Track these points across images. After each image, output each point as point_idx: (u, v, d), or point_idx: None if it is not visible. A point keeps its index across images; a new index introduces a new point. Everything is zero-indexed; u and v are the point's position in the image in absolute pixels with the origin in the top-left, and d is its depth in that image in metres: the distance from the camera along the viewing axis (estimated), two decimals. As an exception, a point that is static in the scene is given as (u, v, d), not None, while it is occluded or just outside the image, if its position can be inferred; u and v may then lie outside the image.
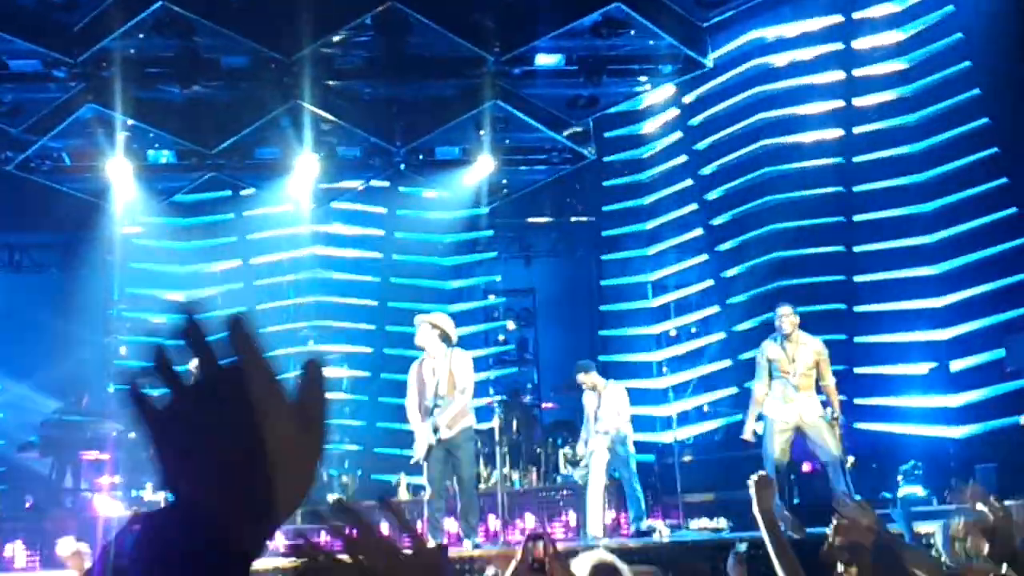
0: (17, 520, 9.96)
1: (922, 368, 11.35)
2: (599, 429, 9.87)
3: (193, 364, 0.98)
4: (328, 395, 1.03)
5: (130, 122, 12.13)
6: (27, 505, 10.85)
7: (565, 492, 10.60)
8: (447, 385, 8.57)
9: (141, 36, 11.19)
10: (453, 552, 7.99)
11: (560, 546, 3.89)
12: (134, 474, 10.93)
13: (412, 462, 8.71)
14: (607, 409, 10.01)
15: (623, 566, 3.54)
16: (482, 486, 10.77)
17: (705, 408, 13.39)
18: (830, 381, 8.89)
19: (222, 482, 0.93)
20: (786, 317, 8.76)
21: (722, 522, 9.71)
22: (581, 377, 10.12)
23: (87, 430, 10.91)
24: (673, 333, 14.16)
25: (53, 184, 13.21)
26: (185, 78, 11.69)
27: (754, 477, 4.10)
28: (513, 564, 4.08)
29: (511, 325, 14.15)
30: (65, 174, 13.30)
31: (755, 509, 4.01)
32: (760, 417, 9.07)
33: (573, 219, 15.25)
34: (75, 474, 10.88)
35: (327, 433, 1.02)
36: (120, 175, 12.87)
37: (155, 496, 10.30)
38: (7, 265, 14.22)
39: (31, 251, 14.46)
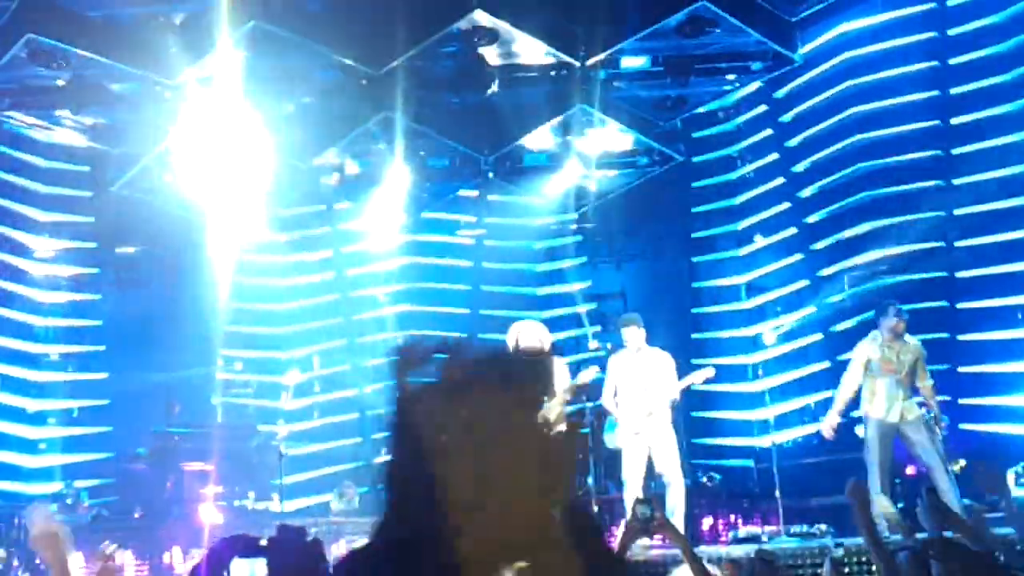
0: (127, 530, 10.29)
1: (1031, 366, 10.95)
2: (645, 404, 8.69)
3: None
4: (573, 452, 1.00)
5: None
6: (136, 515, 11.20)
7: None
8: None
9: (231, 54, 11.45)
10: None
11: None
12: (235, 484, 11.20)
13: None
14: (660, 377, 8.85)
15: None
16: (579, 492, 10.76)
17: (812, 405, 13.10)
18: (929, 382, 8.88)
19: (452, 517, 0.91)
20: (901, 319, 8.69)
21: (821, 528, 9.49)
22: (633, 332, 9.01)
23: (191, 441, 11.23)
24: (769, 339, 13.88)
25: (156, 202, 13.62)
26: (284, 93, 11.96)
27: (849, 487, 4.09)
28: (623, 523, 4.29)
29: (593, 345, 13.77)
30: (167, 192, 13.69)
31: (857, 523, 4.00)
32: (860, 420, 8.94)
33: (663, 221, 15.10)
34: (179, 484, 11.21)
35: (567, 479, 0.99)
36: (220, 191, 13.17)
37: (257, 505, 10.55)
38: (114, 282, 14.68)
39: (136, 268, 14.89)
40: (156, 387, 12.47)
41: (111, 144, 12.76)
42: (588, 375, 8.88)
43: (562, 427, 0.92)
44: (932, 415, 8.81)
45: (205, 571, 2.59)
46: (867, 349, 8.88)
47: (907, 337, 8.83)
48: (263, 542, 2.64)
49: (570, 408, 9.16)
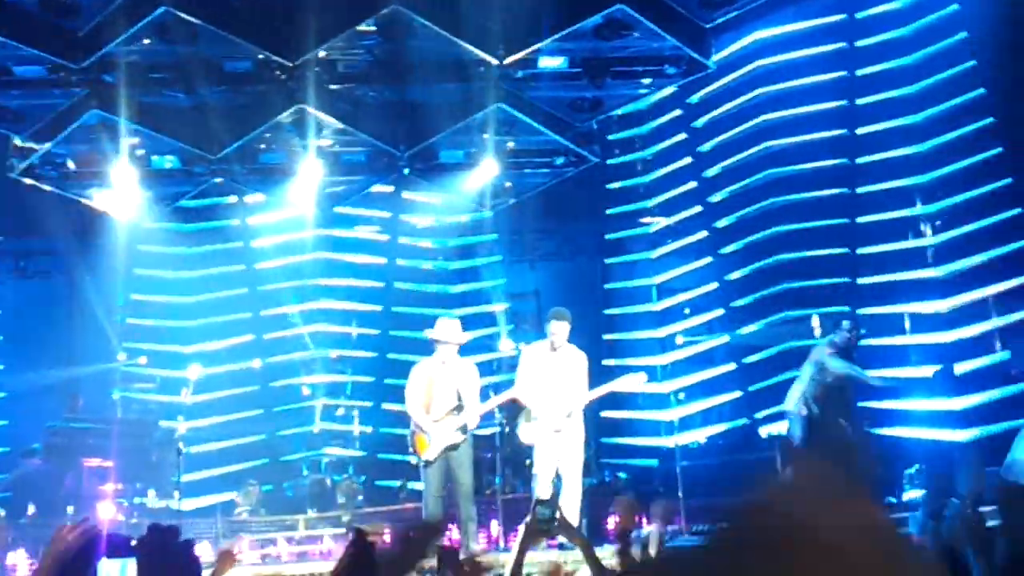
0: (20, 528, 9.98)
1: (926, 371, 11.28)
2: (568, 403, 8.56)
3: None
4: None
5: (134, 127, 12.16)
6: (29, 512, 10.86)
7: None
8: (465, 390, 8.65)
9: (145, 41, 11.19)
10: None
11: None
12: (136, 481, 10.95)
13: (423, 460, 8.64)
14: (578, 376, 8.73)
15: None
16: (486, 492, 10.75)
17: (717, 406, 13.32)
18: None
19: None
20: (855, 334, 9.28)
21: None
22: (563, 327, 8.71)
23: (90, 436, 10.93)
24: (680, 340, 14.02)
25: (58, 190, 13.25)
26: (189, 83, 11.71)
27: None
28: (524, 524, 4.37)
29: (506, 344, 13.71)
30: (70, 180, 13.34)
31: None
32: (763, 421, 9.19)
33: (577, 222, 15.21)
34: (77, 481, 10.90)
35: None
36: (125, 181, 12.89)
37: (158, 503, 10.32)
38: (13, 271, 14.27)
39: (37, 257, 14.49)
40: (55, 381, 12.13)
41: (12, 130, 12.35)
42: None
43: None
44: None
45: (62, 569, 2.51)
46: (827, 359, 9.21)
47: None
48: (133, 543, 2.58)
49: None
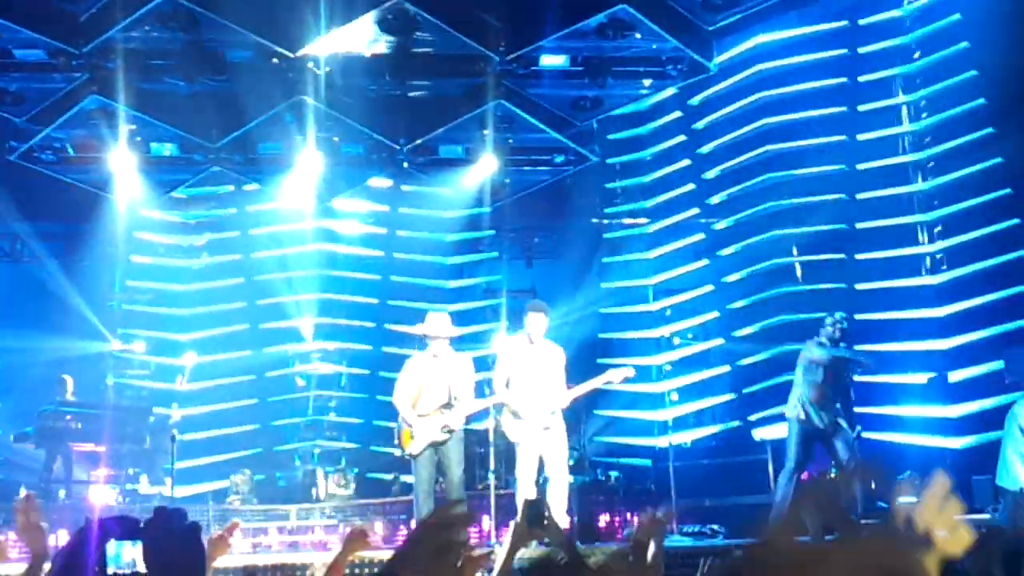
0: (10, 511, 9.94)
1: (921, 378, 11.31)
2: (553, 400, 8.38)
3: None
4: None
5: (133, 114, 12.14)
6: (21, 495, 10.81)
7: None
8: (457, 386, 8.54)
9: (146, 28, 11.19)
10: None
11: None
12: (128, 467, 10.93)
13: (408, 453, 8.56)
14: (557, 370, 8.50)
15: None
16: (478, 487, 10.72)
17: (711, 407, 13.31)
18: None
19: None
20: (837, 327, 8.96)
21: (714, 528, 9.65)
22: (541, 319, 8.49)
23: (82, 421, 10.90)
24: (677, 341, 14.04)
25: (56, 174, 13.23)
26: (190, 71, 11.68)
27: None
28: (512, 524, 4.30)
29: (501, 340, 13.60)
30: (68, 165, 13.33)
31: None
32: (757, 424, 9.15)
33: (576, 220, 15.21)
34: (68, 465, 10.87)
35: None
36: (123, 167, 12.88)
37: (150, 490, 10.31)
38: (8, 255, 14.21)
39: (32, 241, 14.43)
40: (48, 365, 12.09)
41: (11, 113, 12.33)
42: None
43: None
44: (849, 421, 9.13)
45: (72, 549, 2.51)
46: (815, 352, 9.07)
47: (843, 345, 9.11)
48: (141, 525, 2.58)
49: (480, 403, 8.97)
